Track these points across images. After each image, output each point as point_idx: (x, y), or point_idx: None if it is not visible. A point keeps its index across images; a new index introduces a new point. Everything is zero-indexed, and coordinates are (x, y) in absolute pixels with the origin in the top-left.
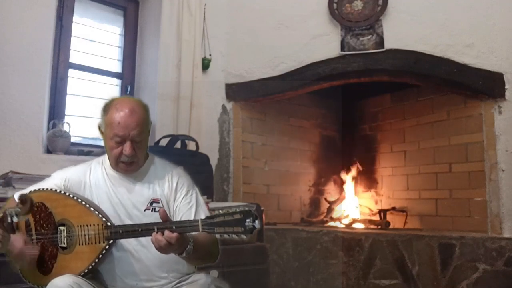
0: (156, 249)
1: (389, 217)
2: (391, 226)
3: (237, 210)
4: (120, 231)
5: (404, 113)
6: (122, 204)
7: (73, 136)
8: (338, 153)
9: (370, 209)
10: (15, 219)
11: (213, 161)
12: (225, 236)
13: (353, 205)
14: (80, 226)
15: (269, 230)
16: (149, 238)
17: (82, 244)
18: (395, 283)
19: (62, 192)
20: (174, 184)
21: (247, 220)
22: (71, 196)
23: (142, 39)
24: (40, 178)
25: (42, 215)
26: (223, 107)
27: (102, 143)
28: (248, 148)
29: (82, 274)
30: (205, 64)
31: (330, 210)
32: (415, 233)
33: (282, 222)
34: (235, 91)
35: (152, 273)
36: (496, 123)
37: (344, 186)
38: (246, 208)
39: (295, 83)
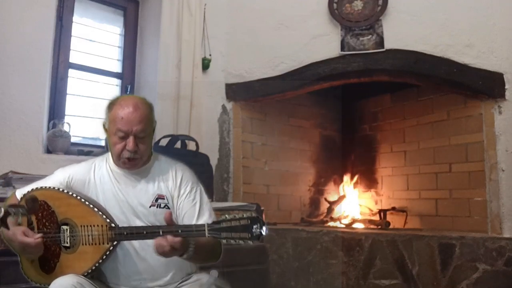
0: (159, 253)
1: (389, 217)
2: (391, 226)
3: (244, 215)
4: (125, 233)
5: (404, 113)
6: (127, 201)
7: (73, 136)
8: (338, 153)
9: (370, 209)
10: (19, 220)
11: (213, 161)
12: (232, 242)
13: (353, 205)
14: (84, 226)
15: (269, 230)
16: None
17: (86, 244)
18: (395, 283)
19: (65, 191)
20: (179, 180)
21: (254, 226)
22: (74, 195)
23: (142, 39)
24: (40, 178)
25: (45, 214)
26: (223, 107)
27: (102, 143)
28: (248, 148)
29: (85, 274)
30: (205, 64)
31: (330, 210)
32: (415, 233)
33: (282, 222)
34: (235, 91)
35: (156, 272)
36: (496, 123)
37: (344, 186)
38: (254, 215)
39: (295, 83)
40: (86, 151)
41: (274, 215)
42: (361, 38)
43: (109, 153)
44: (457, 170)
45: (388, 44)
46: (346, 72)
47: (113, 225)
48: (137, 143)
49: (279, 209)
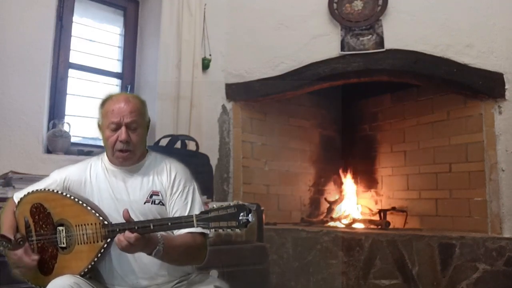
0: (120, 249)
1: (389, 217)
2: (391, 226)
3: (231, 204)
4: (117, 229)
5: (404, 113)
6: (122, 198)
7: (73, 136)
8: (338, 153)
9: (370, 209)
10: (3, 252)
11: (213, 161)
12: (220, 230)
13: (353, 205)
14: (78, 225)
15: (269, 230)
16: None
17: (81, 243)
18: (395, 283)
19: (60, 192)
20: (172, 178)
21: (241, 214)
22: (68, 196)
23: (142, 39)
24: (40, 178)
25: (41, 216)
26: (223, 107)
27: (102, 143)
28: (248, 148)
29: (82, 273)
30: (205, 64)
31: (330, 210)
32: (415, 233)
33: (282, 222)
34: (235, 91)
35: (151, 271)
36: (496, 123)
37: (344, 186)
38: (240, 202)
39: (295, 83)
40: (86, 151)
41: (274, 215)
42: (361, 38)
43: (105, 153)
44: (457, 170)
45: (388, 44)
46: (346, 72)
47: (106, 222)
48: (129, 134)
49: (279, 209)
